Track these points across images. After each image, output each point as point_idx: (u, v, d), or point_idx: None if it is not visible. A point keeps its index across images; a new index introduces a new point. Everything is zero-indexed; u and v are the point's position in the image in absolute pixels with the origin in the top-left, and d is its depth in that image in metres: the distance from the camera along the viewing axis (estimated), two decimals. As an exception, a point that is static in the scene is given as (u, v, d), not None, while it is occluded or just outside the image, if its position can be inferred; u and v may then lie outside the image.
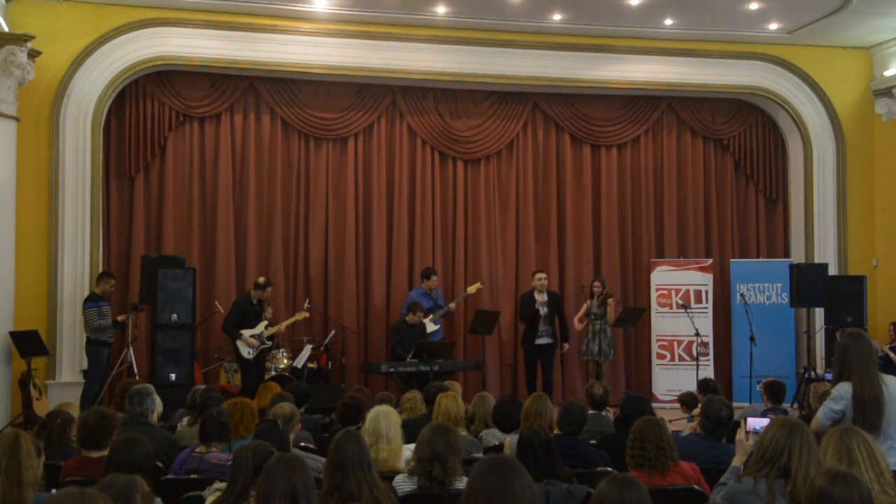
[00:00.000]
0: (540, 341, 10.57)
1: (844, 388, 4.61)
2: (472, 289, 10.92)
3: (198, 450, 4.88)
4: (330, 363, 10.77)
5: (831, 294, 10.66)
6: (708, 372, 10.81)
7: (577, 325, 10.95)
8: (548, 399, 5.71)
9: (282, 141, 11.24)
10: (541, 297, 10.56)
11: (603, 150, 12.18)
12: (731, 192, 12.50)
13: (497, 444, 5.50)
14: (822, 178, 12.08)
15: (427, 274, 10.75)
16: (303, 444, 5.45)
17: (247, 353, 9.76)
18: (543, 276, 10.73)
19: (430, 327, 10.45)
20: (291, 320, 10.20)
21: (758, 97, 12.15)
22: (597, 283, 10.89)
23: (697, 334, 10.99)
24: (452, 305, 10.82)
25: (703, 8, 10.66)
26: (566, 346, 10.92)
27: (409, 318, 10.33)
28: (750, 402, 9.95)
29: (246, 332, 9.75)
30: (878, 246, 12.05)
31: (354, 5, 10.35)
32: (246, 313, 9.84)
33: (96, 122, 10.15)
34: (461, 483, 3.93)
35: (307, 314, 10.33)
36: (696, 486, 4.32)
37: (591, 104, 12.05)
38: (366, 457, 3.71)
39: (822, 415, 4.70)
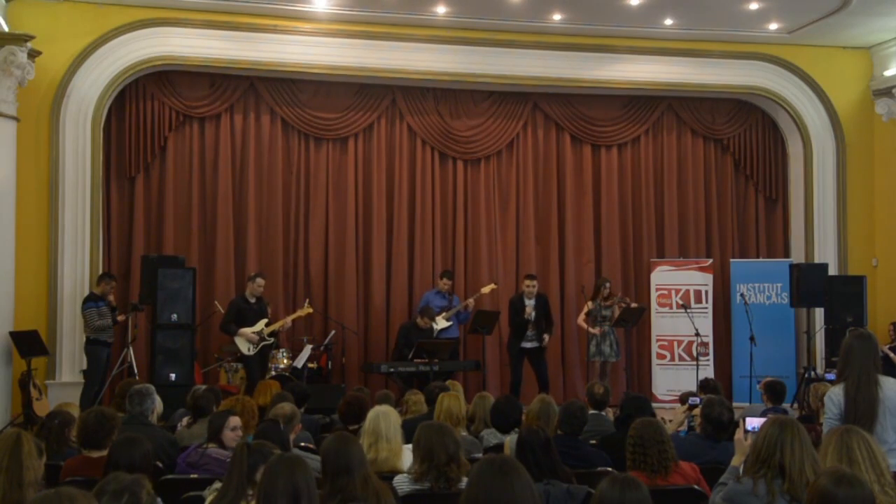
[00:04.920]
0: (527, 344, 10.50)
1: (834, 394, 4.61)
2: (486, 289, 10.87)
3: (202, 445, 4.92)
4: (330, 363, 10.77)
5: (831, 294, 10.66)
6: (708, 372, 10.81)
7: (581, 324, 10.96)
8: (553, 403, 5.69)
9: (282, 141, 11.24)
10: (530, 305, 10.48)
11: (603, 150, 12.19)
12: (731, 192, 12.50)
13: (497, 443, 5.50)
14: (822, 178, 12.08)
15: (441, 275, 10.86)
16: (303, 444, 5.46)
17: (247, 349, 9.77)
18: (534, 284, 10.55)
19: (442, 324, 10.47)
20: (294, 315, 10.19)
21: (758, 97, 12.15)
22: (608, 287, 10.85)
23: (697, 334, 10.99)
24: (471, 302, 10.75)
25: (703, 8, 10.66)
26: (546, 337, 10.59)
27: (419, 321, 10.40)
28: (750, 402, 9.95)
29: (246, 330, 9.76)
30: (878, 246, 12.05)
31: (354, 5, 10.35)
32: (241, 311, 9.84)
33: (96, 122, 10.15)
34: (462, 483, 3.94)
35: (310, 310, 10.31)
36: (696, 486, 4.32)
37: (591, 104, 12.05)
38: (364, 458, 3.74)
39: (825, 428, 4.69)
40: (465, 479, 3.99)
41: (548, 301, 10.80)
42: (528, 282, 10.63)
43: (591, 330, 10.73)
